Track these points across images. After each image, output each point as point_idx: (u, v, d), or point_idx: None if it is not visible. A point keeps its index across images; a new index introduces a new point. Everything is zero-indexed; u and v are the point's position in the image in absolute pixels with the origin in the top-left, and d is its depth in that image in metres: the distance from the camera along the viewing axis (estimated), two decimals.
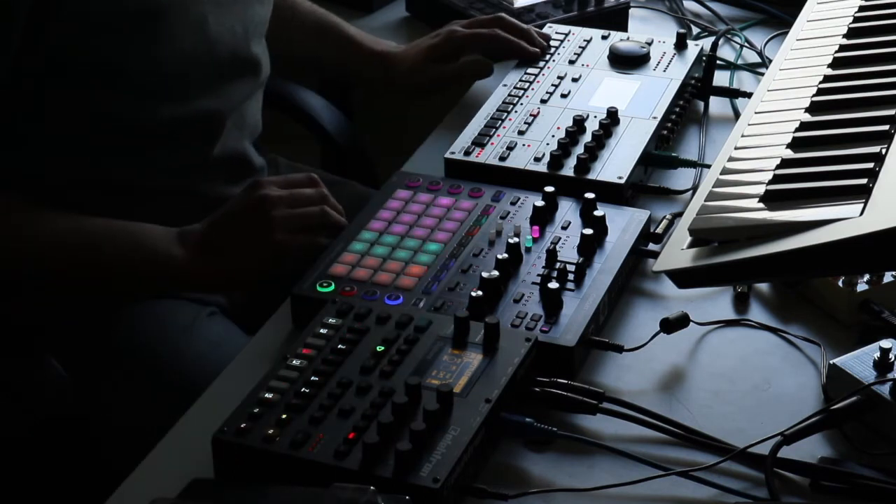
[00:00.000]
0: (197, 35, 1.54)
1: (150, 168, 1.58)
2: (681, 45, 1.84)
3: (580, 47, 1.86)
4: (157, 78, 1.52)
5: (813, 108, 1.40)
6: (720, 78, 1.87)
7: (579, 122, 1.66)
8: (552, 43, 1.87)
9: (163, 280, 1.52)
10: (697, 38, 2.05)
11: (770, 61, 1.65)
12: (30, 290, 1.60)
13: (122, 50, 1.48)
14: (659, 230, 1.52)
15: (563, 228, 1.50)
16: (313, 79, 2.07)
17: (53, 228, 1.50)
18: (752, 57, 1.99)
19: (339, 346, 1.29)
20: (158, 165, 1.59)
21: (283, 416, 1.21)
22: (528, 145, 1.64)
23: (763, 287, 1.48)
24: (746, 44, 2.01)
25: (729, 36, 2.04)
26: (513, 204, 1.54)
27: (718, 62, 1.87)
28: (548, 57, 1.84)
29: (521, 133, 1.67)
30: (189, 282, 1.52)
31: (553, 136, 1.65)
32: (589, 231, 1.46)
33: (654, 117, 1.69)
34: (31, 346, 1.65)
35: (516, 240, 1.44)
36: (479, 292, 1.37)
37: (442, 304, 1.38)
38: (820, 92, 1.43)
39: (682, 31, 1.86)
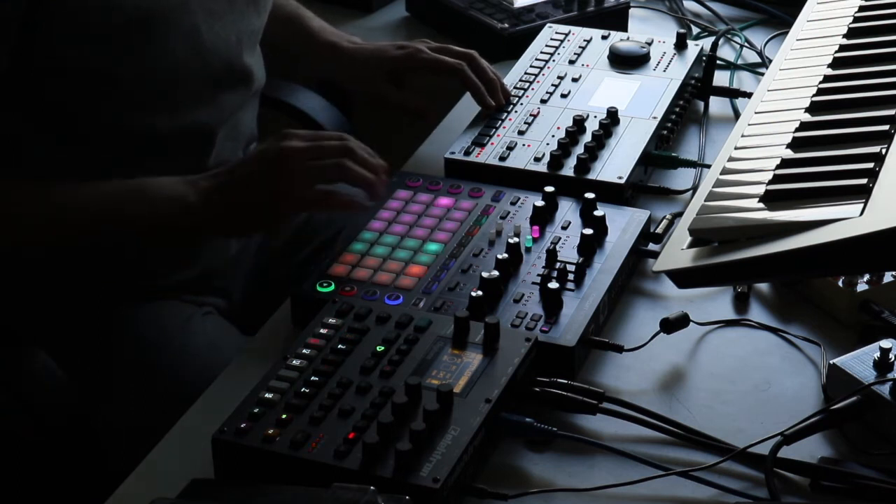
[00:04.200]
0: (189, 45, 1.53)
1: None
2: (681, 45, 1.84)
3: (580, 47, 1.86)
4: (149, 88, 1.51)
5: (813, 108, 1.40)
6: (720, 78, 1.87)
7: (579, 122, 1.66)
8: (552, 42, 1.87)
9: (175, 217, 1.49)
10: (697, 38, 2.05)
11: (770, 61, 1.65)
12: (29, 290, 1.60)
13: (113, 59, 1.46)
14: (659, 230, 1.52)
15: (563, 228, 1.50)
16: (312, 79, 2.07)
17: (69, 194, 1.48)
18: (752, 57, 1.99)
19: (339, 346, 1.29)
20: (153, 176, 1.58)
21: (283, 416, 1.21)
22: (528, 145, 1.64)
23: (763, 287, 1.48)
24: (746, 44, 2.02)
25: (729, 36, 2.04)
26: (513, 204, 1.54)
27: (718, 62, 1.87)
28: (548, 57, 1.84)
29: (521, 133, 1.67)
30: (199, 217, 1.48)
31: (553, 136, 1.65)
32: (589, 231, 1.46)
33: (654, 117, 1.69)
34: (30, 345, 1.65)
35: (516, 240, 1.44)
36: (479, 292, 1.37)
37: (442, 304, 1.38)
38: (820, 92, 1.43)
39: (682, 31, 1.86)
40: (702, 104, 1.84)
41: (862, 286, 1.41)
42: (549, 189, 1.53)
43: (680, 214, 1.40)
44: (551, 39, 1.89)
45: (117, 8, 1.44)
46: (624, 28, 2.05)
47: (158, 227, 1.50)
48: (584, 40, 1.88)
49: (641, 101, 1.72)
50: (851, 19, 1.57)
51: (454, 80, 1.75)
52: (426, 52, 1.78)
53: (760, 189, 1.27)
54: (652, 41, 1.85)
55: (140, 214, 1.49)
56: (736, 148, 1.38)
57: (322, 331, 1.31)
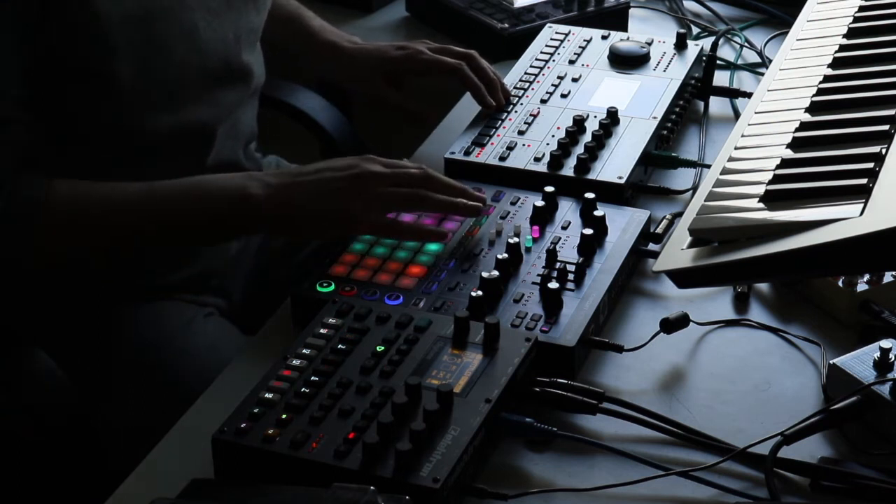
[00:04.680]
0: (188, 43, 1.53)
1: (144, 179, 1.57)
2: (681, 45, 1.84)
3: (580, 47, 1.86)
4: (148, 87, 1.50)
5: (813, 108, 1.40)
6: (720, 78, 1.87)
7: (579, 122, 1.66)
8: (552, 42, 1.87)
9: (234, 207, 1.46)
10: (697, 38, 2.05)
11: (770, 61, 1.65)
12: (29, 290, 1.60)
13: (113, 57, 1.46)
14: (659, 230, 1.52)
15: (563, 228, 1.50)
16: (312, 79, 2.07)
17: (124, 193, 1.47)
18: (752, 57, 1.99)
19: (339, 346, 1.29)
20: (152, 176, 1.57)
21: (283, 416, 1.21)
22: (528, 145, 1.64)
23: (763, 287, 1.48)
24: (746, 44, 2.02)
25: (729, 36, 2.04)
26: (513, 204, 1.54)
27: (718, 62, 1.87)
28: (548, 57, 1.84)
29: (521, 133, 1.67)
30: (261, 211, 1.45)
31: (553, 136, 1.65)
32: (589, 231, 1.46)
33: (654, 117, 1.69)
34: (30, 345, 1.65)
35: (516, 240, 1.44)
36: (479, 292, 1.37)
37: (442, 304, 1.38)
38: (820, 92, 1.43)
39: (682, 31, 1.86)
40: (702, 104, 1.84)
41: (862, 286, 1.41)
42: (549, 189, 1.53)
43: (680, 214, 1.40)
44: (551, 39, 1.89)
45: (118, 5, 1.44)
46: (624, 28, 2.05)
47: (216, 218, 1.47)
48: (584, 40, 1.88)
49: (641, 101, 1.72)
50: (851, 19, 1.57)
51: (454, 80, 1.75)
52: (426, 53, 1.78)
53: (760, 189, 1.27)
54: (652, 41, 1.85)
55: (198, 208, 1.47)
56: (736, 148, 1.38)
57: (322, 331, 1.31)
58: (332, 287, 1.41)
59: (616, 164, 1.60)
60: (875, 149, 1.27)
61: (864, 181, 1.22)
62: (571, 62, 1.83)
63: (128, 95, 1.49)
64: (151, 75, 1.50)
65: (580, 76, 1.79)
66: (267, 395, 1.23)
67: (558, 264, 1.42)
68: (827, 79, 1.45)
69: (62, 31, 1.43)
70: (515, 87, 1.77)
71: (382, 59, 1.80)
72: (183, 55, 1.52)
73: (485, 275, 1.39)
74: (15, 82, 1.41)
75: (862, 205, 1.18)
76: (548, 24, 1.94)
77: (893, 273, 1.42)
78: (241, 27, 1.62)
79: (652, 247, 1.52)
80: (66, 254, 1.47)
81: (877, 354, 1.29)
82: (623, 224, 1.50)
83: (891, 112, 1.33)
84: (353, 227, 1.46)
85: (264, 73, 1.71)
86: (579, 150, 1.61)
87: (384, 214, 1.46)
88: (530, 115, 1.70)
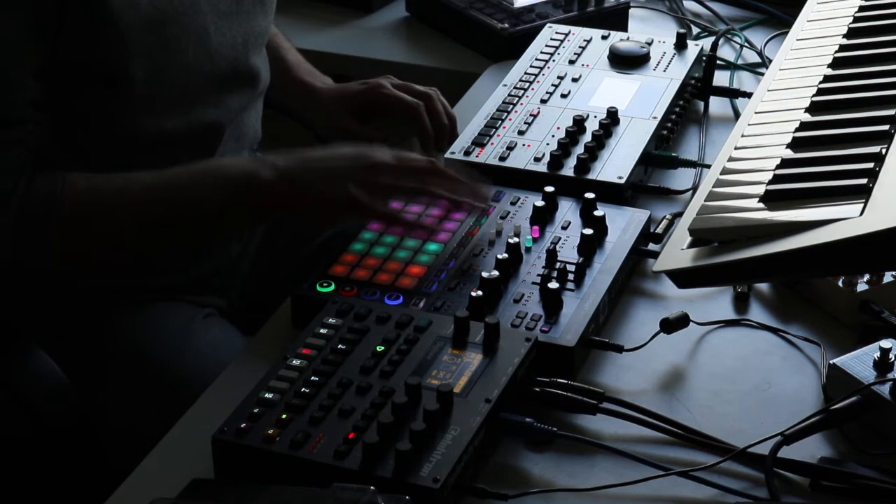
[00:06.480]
0: (199, 46, 1.53)
1: None
2: (681, 45, 1.84)
3: (580, 47, 1.86)
4: (159, 89, 1.51)
5: (813, 108, 1.40)
6: (720, 78, 1.87)
7: (579, 122, 1.66)
8: (552, 42, 1.87)
9: (244, 192, 1.47)
10: (697, 38, 2.05)
11: (770, 61, 1.65)
12: (29, 290, 1.60)
13: (128, 61, 1.47)
14: (659, 230, 1.52)
15: (563, 228, 1.50)
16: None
17: (138, 182, 1.47)
18: (752, 57, 1.99)
19: (339, 346, 1.29)
20: None
21: (283, 416, 1.21)
22: (528, 145, 1.64)
23: (763, 287, 1.48)
24: (746, 44, 2.02)
25: (729, 36, 2.04)
26: (513, 204, 1.54)
27: (718, 62, 1.87)
28: (548, 57, 1.84)
29: (521, 133, 1.67)
30: (272, 196, 1.47)
31: (553, 136, 1.65)
32: (589, 231, 1.46)
33: (654, 117, 1.69)
34: (30, 344, 1.65)
35: (516, 240, 1.44)
36: (479, 292, 1.37)
37: (442, 304, 1.38)
38: (820, 92, 1.42)
39: (682, 31, 1.86)
40: (702, 104, 1.84)
41: (862, 286, 1.41)
42: (549, 189, 1.53)
43: (680, 214, 1.40)
44: (551, 39, 1.89)
45: (134, 7, 1.44)
46: (624, 28, 2.06)
47: (226, 201, 1.47)
48: (584, 40, 1.88)
49: (641, 101, 1.72)
50: (851, 19, 1.57)
51: (411, 122, 1.76)
52: (387, 88, 1.79)
53: (760, 189, 1.27)
54: (652, 41, 1.85)
55: (207, 197, 1.47)
56: (736, 148, 1.38)
57: (322, 331, 1.31)
58: (332, 287, 1.41)
59: (616, 164, 1.60)
60: (875, 149, 1.27)
61: (864, 181, 1.22)
62: (571, 62, 1.83)
63: (138, 97, 1.50)
64: (162, 77, 1.50)
65: (580, 76, 1.79)
66: (267, 395, 1.23)
67: (558, 264, 1.42)
68: (827, 79, 1.45)
69: (80, 35, 1.43)
70: (515, 87, 1.77)
71: (344, 94, 1.82)
72: (193, 58, 1.53)
73: (485, 275, 1.39)
74: (30, 83, 1.42)
75: (862, 205, 1.18)
76: (548, 24, 1.94)
77: (893, 273, 1.42)
78: (250, 31, 1.62)
79: (652, 247, 1.52)
80: (91, 252, 1.47)
81: (877, 354, 1.29)
82: (623, 224, 1.50)
83: (891, 112, 1.33)
84: (356, 214, 1.48)
85: (269, 76, 1.72)
86: (579, 150, 1.61)
87: (388, 204, 1.47)
88: (530, 115, 1.71)
